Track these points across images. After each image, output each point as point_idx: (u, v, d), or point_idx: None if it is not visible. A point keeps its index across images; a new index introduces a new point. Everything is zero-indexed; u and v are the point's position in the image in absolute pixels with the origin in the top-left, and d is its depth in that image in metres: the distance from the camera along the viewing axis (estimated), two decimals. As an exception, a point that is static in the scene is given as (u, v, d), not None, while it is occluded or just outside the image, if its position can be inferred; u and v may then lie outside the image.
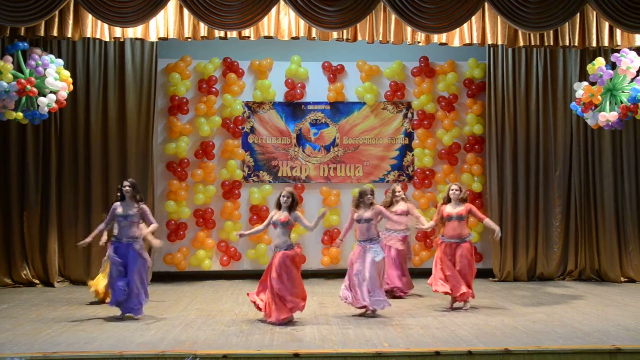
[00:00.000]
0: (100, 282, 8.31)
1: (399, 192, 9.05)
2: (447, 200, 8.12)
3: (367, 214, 7.66)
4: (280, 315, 7.10)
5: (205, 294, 9.19)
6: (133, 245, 7.47)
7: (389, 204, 8.95)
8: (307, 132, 10.96)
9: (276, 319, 7.07)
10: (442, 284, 7.91)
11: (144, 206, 7.59)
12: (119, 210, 7.53)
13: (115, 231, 7.72)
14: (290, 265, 7.21)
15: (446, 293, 7.92)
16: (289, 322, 7.12)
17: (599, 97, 8.75)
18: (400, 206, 8.96)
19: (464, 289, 7.80)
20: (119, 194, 7.77)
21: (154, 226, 7.64)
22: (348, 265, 7.73)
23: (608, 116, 8.70)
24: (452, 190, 8.09)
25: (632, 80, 8.70)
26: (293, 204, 7.35)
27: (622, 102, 8.67)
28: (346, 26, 8.17)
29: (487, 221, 8.17)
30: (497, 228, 8.09)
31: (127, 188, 7.54)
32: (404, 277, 8.94)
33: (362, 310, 7.57)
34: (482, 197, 10.86)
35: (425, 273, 10.36)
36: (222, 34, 8.62)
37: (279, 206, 7.41)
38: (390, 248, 8.81)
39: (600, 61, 8.86)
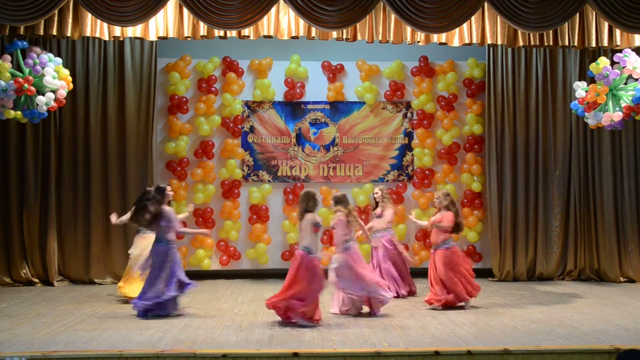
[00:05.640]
0: (129, 285, 8.26)
1: (377, 193, 9.10)
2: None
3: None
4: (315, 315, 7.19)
5: (204, 294, 9.17)
6: (175, 248, 7.73)
7: (375, 208, 9.09)
8: (307, 131, 10.95)
9: (320, 317, 7.15)
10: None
11: None
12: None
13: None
14: None
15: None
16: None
17: (604, 96, 8.74)
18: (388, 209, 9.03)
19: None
20: (165, 198, 7.86)
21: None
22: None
23: (612, 116, 8.69)
24: (434, 198, 8.26)
25: (628, 80, 8.70)
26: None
27: (623, 102, 8.67)
28: (346, 26, 8.17)
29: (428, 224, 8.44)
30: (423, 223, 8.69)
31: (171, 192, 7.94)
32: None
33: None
34: (481, 196, 10.86)
35: (425, 273, 10.39)
36: (221, 33, 8.62)
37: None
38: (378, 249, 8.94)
39: (604, 60, 8.85)
